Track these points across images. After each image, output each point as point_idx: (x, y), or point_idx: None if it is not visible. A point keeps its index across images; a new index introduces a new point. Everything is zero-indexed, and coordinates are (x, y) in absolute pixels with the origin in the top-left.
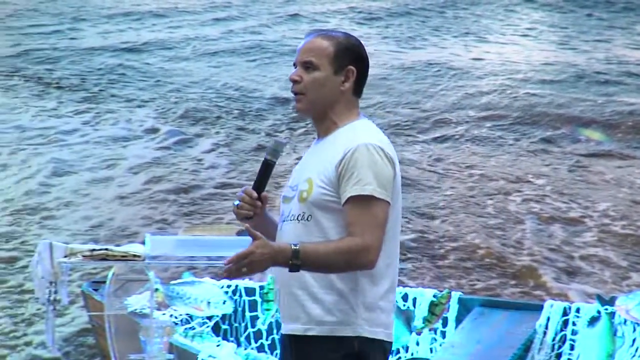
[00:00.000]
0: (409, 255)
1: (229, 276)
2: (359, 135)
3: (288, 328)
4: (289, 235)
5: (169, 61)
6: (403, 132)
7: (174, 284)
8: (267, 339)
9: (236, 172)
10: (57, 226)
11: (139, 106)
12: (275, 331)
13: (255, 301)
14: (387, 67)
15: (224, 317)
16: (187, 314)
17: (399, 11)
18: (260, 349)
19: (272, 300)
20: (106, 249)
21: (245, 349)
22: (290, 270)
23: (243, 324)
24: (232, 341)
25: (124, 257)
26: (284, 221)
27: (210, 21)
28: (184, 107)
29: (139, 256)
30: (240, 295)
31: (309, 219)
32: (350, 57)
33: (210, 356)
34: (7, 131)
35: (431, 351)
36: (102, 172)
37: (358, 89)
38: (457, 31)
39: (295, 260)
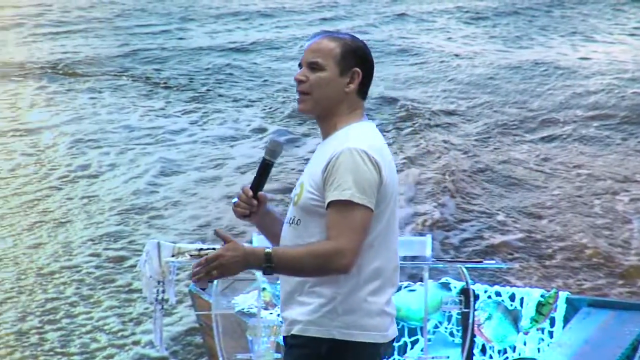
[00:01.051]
0: (516, 255)
1: (198, 280)
2: (349, 139)
3: (283, 329)
4: (285, 238)
5: (277, 61)
6: (510, 131)
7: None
8: None
9: None
10: (165, 225)
11: (247, 106)
12: None
13: None
14: (494, 67)
15: None
16: None
17: (506, 10)
18: None
19: None
20: (214, 249)
21: None
22: (264, 273)
23: None
24: None
25: None
26: (285, 223)
27: (317, 21)
28: (291, 106)
29: None
30: None
31: (298, 222)
32: (356, 59)
33: None
34: (115, 131)
35: (538, 351)
36: (209, 172)
37: (362, 91)
38: (564, 30)
39: (268, 264)
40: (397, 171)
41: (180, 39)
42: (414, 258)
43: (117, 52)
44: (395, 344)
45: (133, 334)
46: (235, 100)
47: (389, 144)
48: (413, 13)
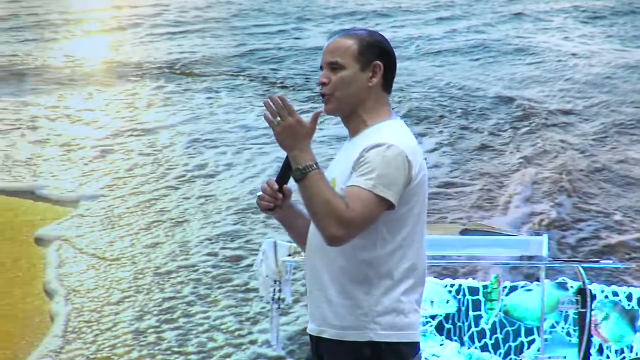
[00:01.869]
0: (634, 255)
1: (267, 107)
2: (383, 135)
3: (309, 327)
4: (315, 238)
5: None
6: (628, 131)
7: None
8: (490, 339)
9: (460, 171)
10: (280, 225)
11: None
12: (499, 330)
13: (478, 300)
14: (611, 66)
15: (447, 316)
16: None
17: (623, 10)
18: (484, 348)
19: (495, 300)
20: None
21: (469, 348)
22: (293, 175)
23: (467, 324)
24: (456, 340)
25: None
26: None
27: (434, 21)
28: (407, 106)
29: None
30: (464, 295)
31: None
32: (375, 52)
33: (434, 355)
34: (232, 131)
35: None
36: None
37: (387, 85)
38: None
39: (302, 172)
40: (514, 171)
41: (297, 39)
42: (530, 258)
43: (234, 52)
44: (512, 344)
45: (250, 333)
46: None
47: (506, 144)
48: (530, 12)
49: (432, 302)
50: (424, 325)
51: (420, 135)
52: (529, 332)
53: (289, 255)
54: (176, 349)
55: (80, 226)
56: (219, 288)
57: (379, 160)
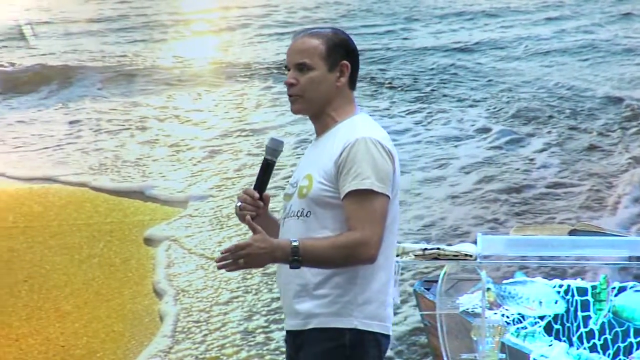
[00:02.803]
0: None
1: (224, 267)
2: (358, 129)
3: (289, 324)
4: (291, 231)
5: (501, 61)
6: None
7: (506, 284)
8: (599, 339)
9: (568, 171)
10: None
11: (471, 106)
12: (607, 331)
13: (587, 301)
14: None
15: (555, 316)
16: (519, 314)
17: None
18: (592, 349)
19: (604, 300)
20: (438, 248)
21: (577, 349)
22: (291, 267)
23: (575, 324)
24: (564, 341)
25: (456, 257)
26: (285, 218)
27: (543, 21)
28: (515, 106)
29: (470, 256)
30: (572, 295)
31: (308, 214)
32: (342, 52)
33: (542, 356)
34: None
35: None
36: (433, 172)
37: (352, 82)
38: None
39: (296, 257)
40: (623, 171)
41: (405, 39)
42: (639, 258)
43: None
44: (621, 344)
45: None
46: (460, 100)
47: (614, 144)
48: (639, 12)
49: (540, 302)
50: (532, 326)
51: (528, 136)
52: (638, 332)
53: (397, 256)
54: (284, 349)
55: (189, 226)
56: None
57: (365, 157)
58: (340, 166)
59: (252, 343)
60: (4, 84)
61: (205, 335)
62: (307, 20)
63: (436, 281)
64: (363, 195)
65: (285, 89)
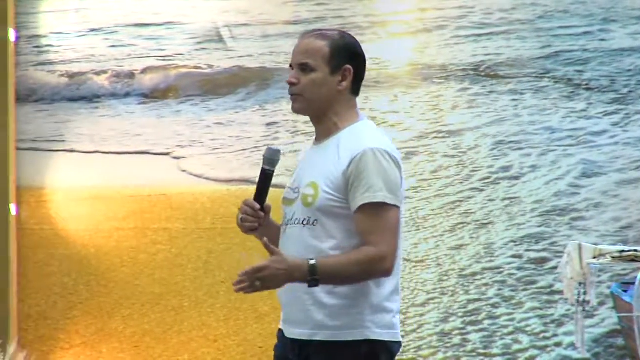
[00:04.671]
0: None
1: (242, 290)
2: (364, 139)
3: (294, 332)
4: (295, 239)
5: None
6: None
7: None
8: None
9: None
10: (586, 227)
11: None
12: None
13: None
14: None
15: None
16: None
17: None
18: None
19: None
20: (635, 250)
21: None
22: (310, 286)
23: None
24: None
25: None
26: (287, 225)
27: None
28: None
29: None
30: None
31: (314, 223)
32: (346, 55)
33: None
34: (537, 133)
35: None
36: (631, 173)
37: (356, 88)
38: None
39: (314, 276)
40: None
41: (602, 40)
42: None
43: (539, 53)
44: None
45: (555, 335)
46: None
47: None
48: None
49: None
50: None
51: None
52: None
53: (594, 258)
54: (481, 351)
55: None
56: (524, 290)
57: (375, 169)
58: (349, 178)
59: (448, 345)
60: (202, 85)
61: (402, 336)
62: (503, 21)
63: (633, 283)
64: (376, 208)
65: (479, 91)
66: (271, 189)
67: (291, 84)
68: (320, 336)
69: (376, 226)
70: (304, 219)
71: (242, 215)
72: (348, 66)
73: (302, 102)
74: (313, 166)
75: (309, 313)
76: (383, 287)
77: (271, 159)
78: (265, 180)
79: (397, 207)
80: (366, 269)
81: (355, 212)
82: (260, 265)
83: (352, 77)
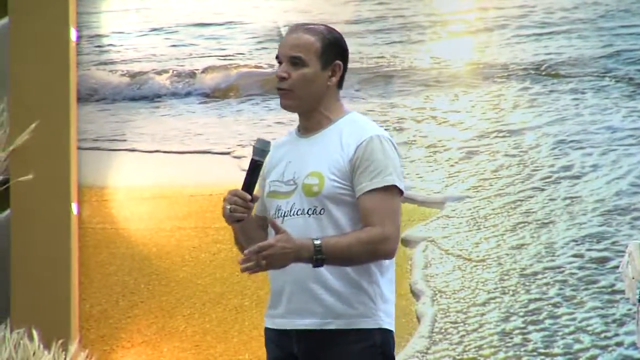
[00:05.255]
0: None
1: (248, 269)
2: (366, 127)
3: (300, 323)
4: (300, 230)
5: None
6: None
7: None
8: None
9: None
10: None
11: None
12: None
13: None
14: None
15: None
16: None
17: None
18: None
19: None
20: None
21: None
22: (315, 266)
23: None
24: None
25: None
26: (283, 216)
27: None
28: None
29: None
30: None
31: (321, 212)
32: (336, 51)
33: None
34: (598, 132)
35: None
36: None
37: (341, 82)
38: None
39: (320, 255)
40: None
41: None
42: None
43: (600, 52)
44: None
45: (616, 335)
46: None
47: None
48: None
49: None
50: None
51: None
52: None
53: None
54: (542, 350)
55: (445, 227)
56: (585, 289)
57: (384, 154)
58: (356, 164)
59: (509, 344)
60: (262, 85)
61: (463, 336)
62: (565, 20)
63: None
64: (385, 191)
65: (540, 90)
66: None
67: (282, 78)
68: (334, 325)
69: (383, 207)
70: (309, 209)
71: (230, 205)
72: (338, 62)
73: (293, 99)
74: (309, 158)
75: (320, 302)
76: (386, 276)
77: (262, 150)
78: (254, 170)
79: (402, 193)
80: (370, 249)
81: (362, 195)
82: (267, 243)
83: (341, 72)
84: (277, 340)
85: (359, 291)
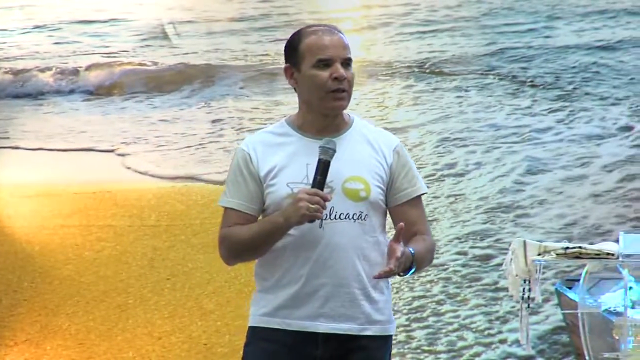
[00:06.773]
0: None
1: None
2: (382, 130)
3: (338, 327)
4: (347, 235)
5: None
6: None
7: None
8: None
9: None
10: (531, 224)
11: (613, 104)
12: None
13: None
14: None
15: None
16: None
17: None
18: None
19: None
20: (580, 247)
21: None
22: (403, 275)
23: None
24: None
25: (598, 256)
26: (324, 219)
27: None
28: None
29: (612, 254)
30: None
31: (365, 218)
32: None
33: None
34: (482, 129)
35: None
36: (575, 170)
37: None
38: None
39: (415, 264)
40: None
41: (547, 37)
42: None
43: (484, 50)
44: None
45: (499, 332)
46: (602, 99)
47: None
48: None
49: None
50: None
51: None
52: None
53: (538, 254)
54: (425, 348)
55: None
56: (468, 287)
57: (412, 161)
58: (396, 171)
59: (393, 342)
60: (146, 82)
61: None
62: (448, 18)
63: (578, 280)
64: (420, 198)
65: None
66: (206, 185)
67: (342, 79)
68: (370, 331)
69: (424, 216)
70: (354, 214)
71: (314, 205)
72: None
73: (349, 100)
74: (340, 161)
75: (360, 308)
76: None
77: (332, 149)
78: (324, 170)
79: None
80: (430, 258)
81: (405, 202)
82: (401, 253)
83: None
84: (290, 342)
85: (386, 298)
